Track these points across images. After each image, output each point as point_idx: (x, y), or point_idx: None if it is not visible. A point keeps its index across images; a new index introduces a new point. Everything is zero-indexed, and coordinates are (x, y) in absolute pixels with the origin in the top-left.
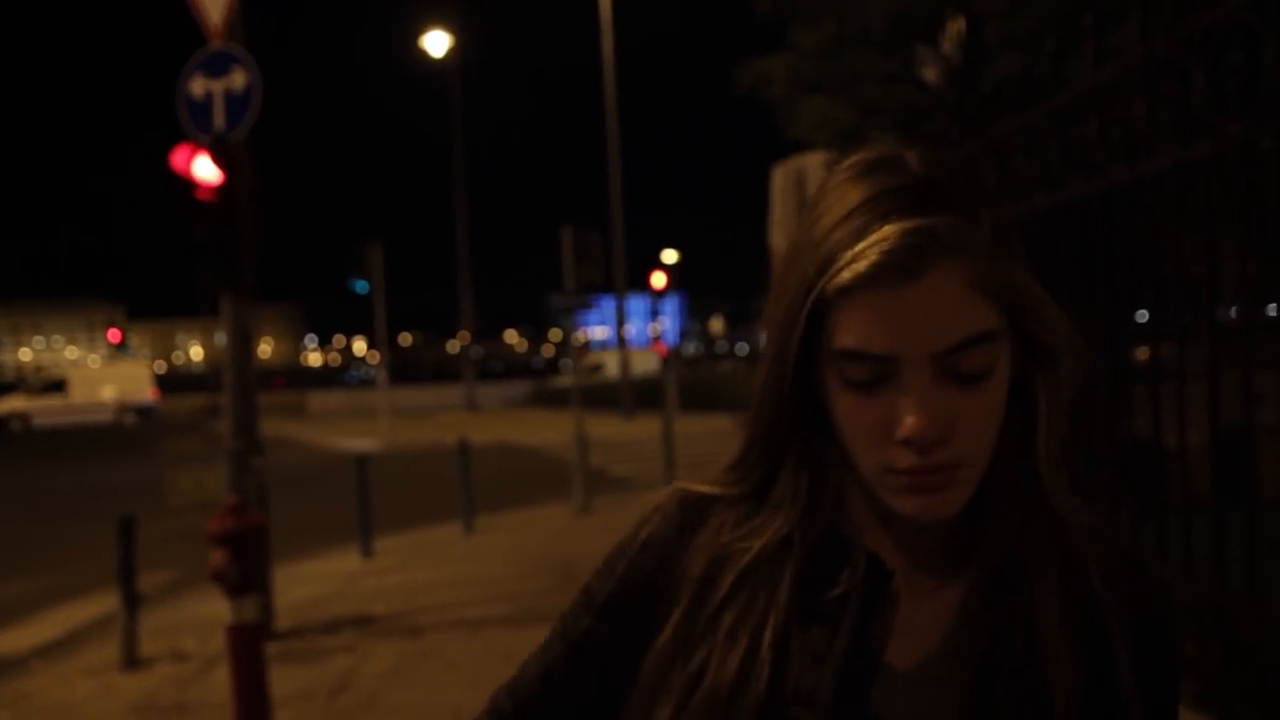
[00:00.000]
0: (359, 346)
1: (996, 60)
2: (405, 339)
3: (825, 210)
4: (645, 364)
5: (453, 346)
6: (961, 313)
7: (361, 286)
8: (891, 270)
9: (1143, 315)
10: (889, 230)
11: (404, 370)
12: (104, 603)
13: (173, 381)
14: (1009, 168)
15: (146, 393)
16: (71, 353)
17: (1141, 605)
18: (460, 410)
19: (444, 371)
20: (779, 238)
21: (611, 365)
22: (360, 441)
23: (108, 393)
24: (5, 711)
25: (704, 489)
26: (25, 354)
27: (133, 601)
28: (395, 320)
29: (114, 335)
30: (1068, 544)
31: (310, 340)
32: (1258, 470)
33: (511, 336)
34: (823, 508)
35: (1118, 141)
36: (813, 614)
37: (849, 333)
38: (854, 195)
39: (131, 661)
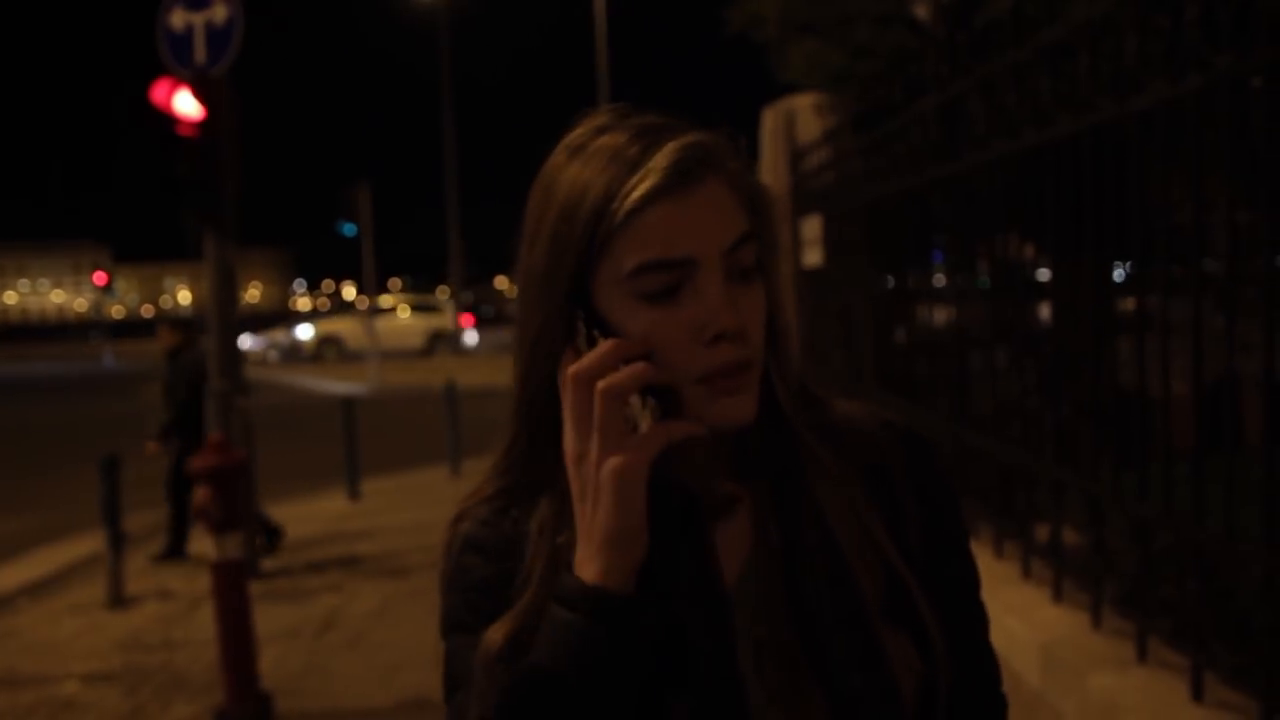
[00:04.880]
0: (348, 292)
1: (991, 0)
2: (395, 284)
3: (579, 168)
4: None
5: (442, 291)
6: (732, 215)
7: (349, 230)
8: (680, 179)
9: (1129, 261)
10: (670, 148)
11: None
12: (91, 542)
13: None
14: (999, 105)
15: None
16: (57, 296)
17: (918, 465)
18: (449, 354)
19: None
20: (768, 180)
21: None
22: (348, 385)
23: None
24: None
25: (483, 511)
26: (11, 297)
27: (118, 540)
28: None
29: (100, 278)
30: (846, 439)
31: (299, 285)
32: (1242, 418)
33: (502, 282)
34: None
35: (1107, 76)
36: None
37: (645, 247)
38: (613, 141)
39: (118, 600)
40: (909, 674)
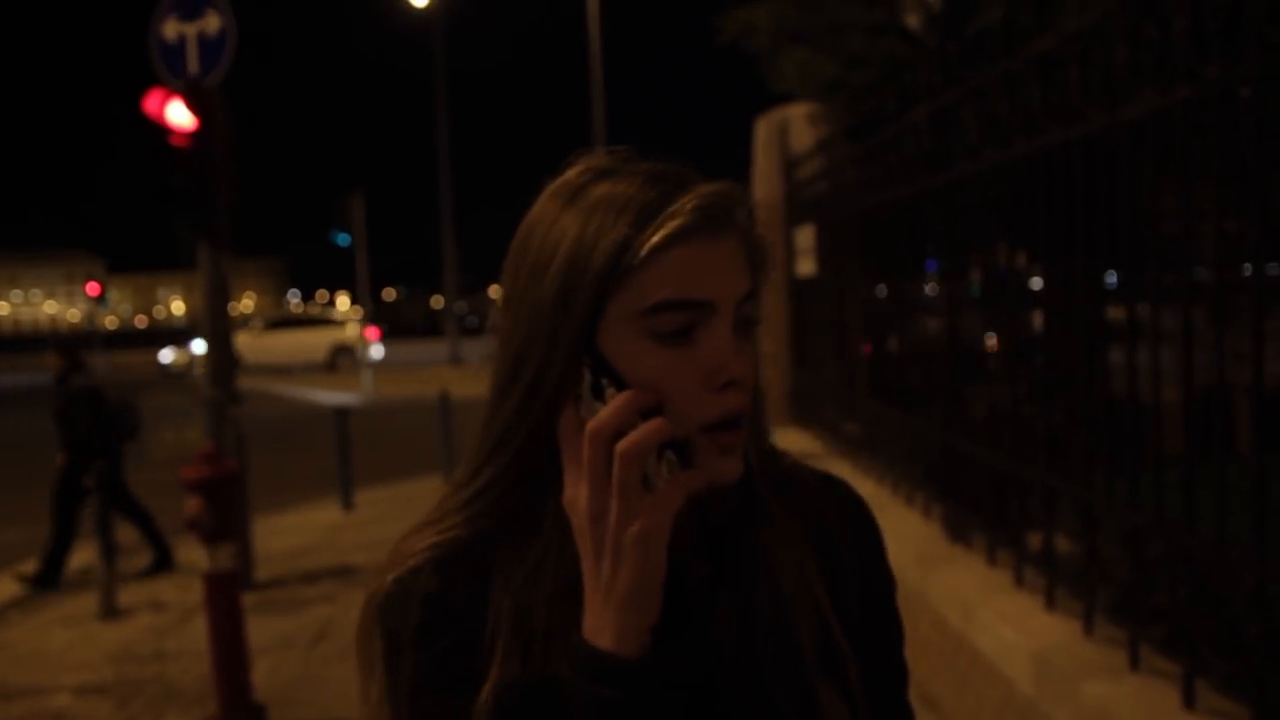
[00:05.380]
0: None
1: (982, 10)
2: (389, 294)
3: (584, 211)
4: None
5: (437, 301)
6: (744, 267)
7: (343, 239)
8: (709, 224)
9: (1120, 269)
10: (700, 192)
11: (392, 325)
12: (83, 554)
13: (153, 336)
14: (991, 115)
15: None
16: (50, 307)
17: (856, 521)
18: (444, 365)
19: (438, 327)
20: (762, 190)
21: None
22: (342, 395)
23: None
24: None
25: (431, 561)
26: (3, 308)
27: (110, 552)
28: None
29: (93, 289)
30: (794, 493)
31: (293, 295)
32: (1233, 426)
33: (496, 291)
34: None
35: (1098, 86)
36: None
37: (666, 285)
38: (625, 187)
39: (110, 611)
40: None
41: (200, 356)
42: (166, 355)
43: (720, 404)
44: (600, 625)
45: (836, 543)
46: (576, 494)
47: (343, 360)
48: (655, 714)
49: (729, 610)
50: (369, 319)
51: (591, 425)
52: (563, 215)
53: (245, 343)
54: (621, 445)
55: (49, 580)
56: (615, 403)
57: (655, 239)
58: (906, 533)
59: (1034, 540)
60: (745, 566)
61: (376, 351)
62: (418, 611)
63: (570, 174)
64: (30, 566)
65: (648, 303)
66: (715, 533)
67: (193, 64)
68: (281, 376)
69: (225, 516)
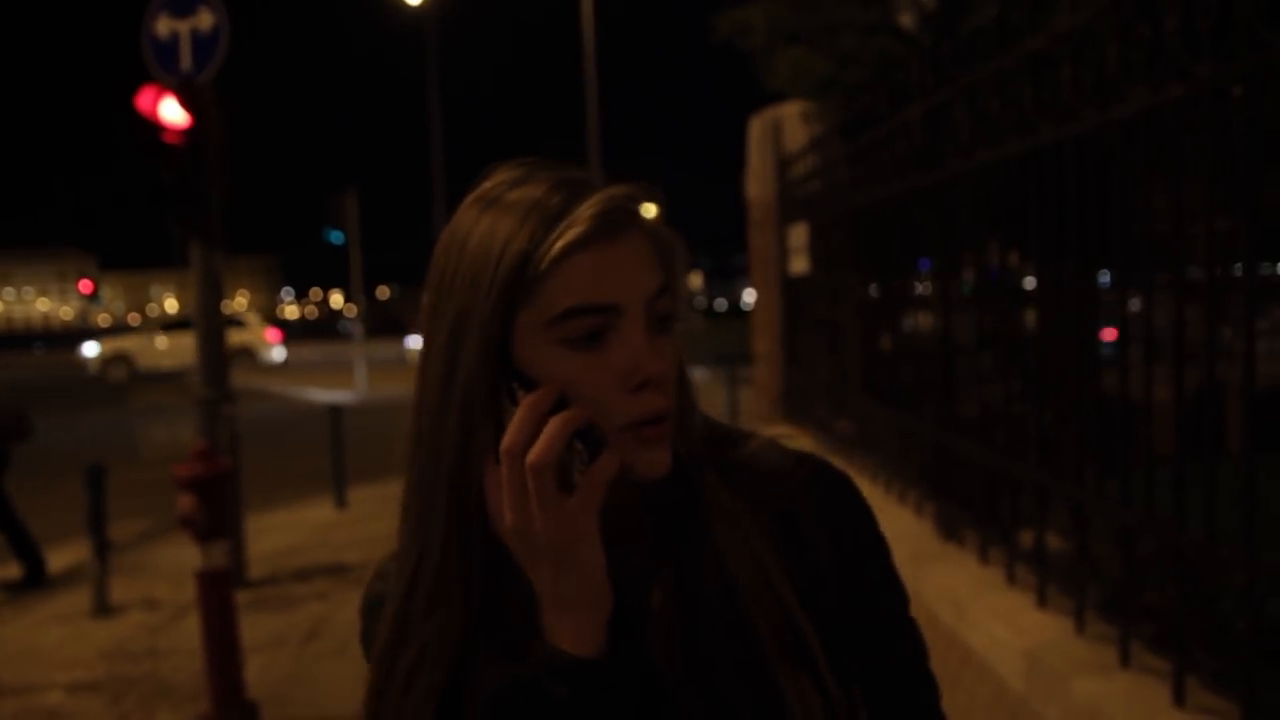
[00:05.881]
0: (336, 299)
1: (976, 9)
2: (383, 292)
3: (495, 218)
4: None
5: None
6: (651, 265)
7: (337, 237)
8: (608, 227)
9: (1112, 268)
10: (596, 199)
11: (389, 323)
12: (76, 551)
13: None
14: (983, 113)
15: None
16: (43, 304)
17: (831, 504)
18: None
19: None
20: (755, 188)
21: None
22: (335, 393)
23: None
24: None
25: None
26: None
27: (102, 549)
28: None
29: (85, 286)
30: (751, 480)
31: (286, 293)
32: (1224, 425)
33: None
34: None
35: (1089, 85)
36: None
37: (571, 292)
38: (532, 193)
39: (103, 609)
40: (811, 718)
41: (94, 359)
42: (90, 349)
43: (638, 405)
44: (554, 626)
45: (802, 527)
46: (500, 514)
47: (242, 362)
48: (608, 710)
49: (674, 603)
50: (271, 320)
51: (504, 445)
52: (475, 225)
53: (138, 346)
54: (530, 458)
55: (35, 578)
56: (518, 416)
57: (555, 248)
58: (899, 531)
59: (1026, 538)
60: (689, 557)
61: (278, 354)
62: (367, 617)
63: (487, 183)
64: (13, 571)
65: (555, 311)
66: (661, 523)
67: (185, 61)
68: (176, 382)
69: (218, 514)
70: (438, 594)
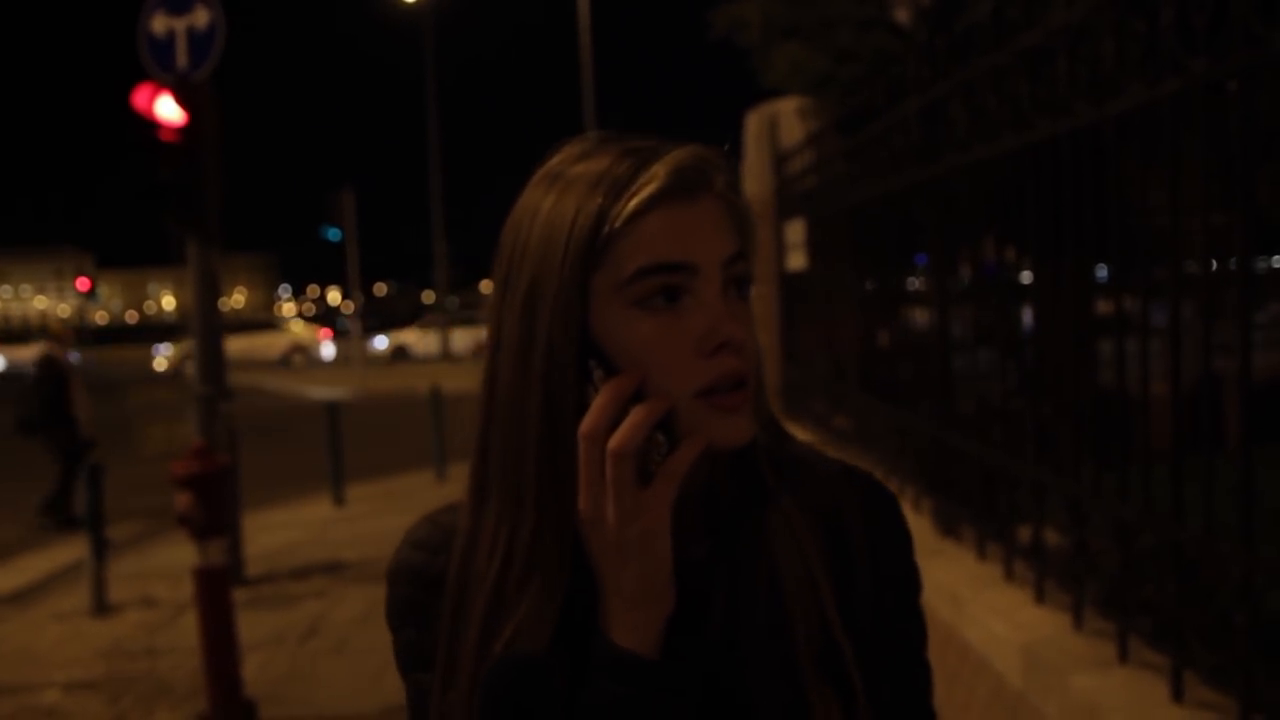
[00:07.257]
0: (333, 296)
1: (972, 5)
2: (380, 289)
3: (562, 191)
4: None
5: (428, 296)
6: (727, 229)
7: (334, 234)
8: (684, 187)
9: (1108, 263)
10: (673, 156)
11: (387, 320)
12: (74, 549)
13: (144, 332)
14: (979, 109)
15: None
16: (40, 302)
17: (877, 516)
18: (435, 359)
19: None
20: (752, 185)
21: None
22: (333, 390)
23: None
24: None
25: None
26: None
27: (101, 548)
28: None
29: (83, 284)
30: (805, 481)
31: (284, 290)
32: (1222, 419)
33: (487, 286)
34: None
35: (1085, 80)
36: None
37: (645, 251)
38: (600, 164)
39: (101, 607)
40: None
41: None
42: None
43: (714, 368)
44: (615, 621)
45: (850, 539)
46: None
47: (297, 360)
48: (668, 712)
49: (722, 600)
50: (321, 320)
51: (583, 429)
52: (544, 200)
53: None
54: (612, 444)
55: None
56: (599, 401)
57: (630, 206)
58: None
59: (1023, 534)
60: (743, 552)
61: (328, 351)
62: (405, 586)
63: (552, 160)
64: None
65: (629, 270)
66: (720, 517)
67: (182, 59)
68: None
69: (216, 512)
70: (530, 570)
